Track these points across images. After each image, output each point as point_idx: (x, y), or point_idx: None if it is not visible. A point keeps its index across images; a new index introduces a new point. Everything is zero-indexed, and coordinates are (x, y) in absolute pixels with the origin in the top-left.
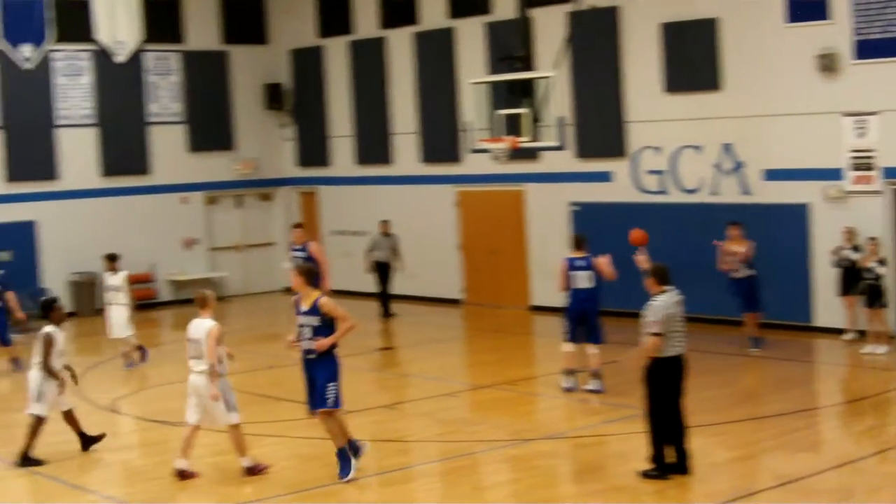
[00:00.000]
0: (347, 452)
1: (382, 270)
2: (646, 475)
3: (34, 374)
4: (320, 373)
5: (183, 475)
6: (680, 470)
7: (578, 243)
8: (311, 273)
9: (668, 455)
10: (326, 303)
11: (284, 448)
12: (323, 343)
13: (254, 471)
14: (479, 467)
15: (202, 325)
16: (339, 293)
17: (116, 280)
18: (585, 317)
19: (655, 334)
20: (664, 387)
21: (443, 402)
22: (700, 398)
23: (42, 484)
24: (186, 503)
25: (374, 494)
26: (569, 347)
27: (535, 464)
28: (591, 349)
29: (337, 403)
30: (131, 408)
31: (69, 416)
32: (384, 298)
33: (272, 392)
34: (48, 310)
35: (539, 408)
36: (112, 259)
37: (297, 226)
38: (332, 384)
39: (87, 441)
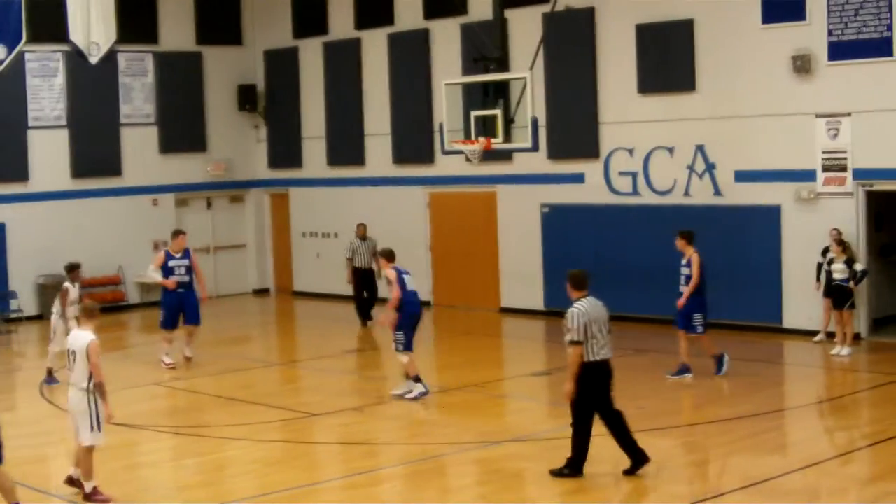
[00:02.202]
0: None
1: (364, 277)
2: (556, 473)
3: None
4: None
5: (72, 482)
6: (642, 461)
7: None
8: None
9: (623, 457)
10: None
11: (250, 451)
12: None
13: (91, 497)
14: (447, 470)
15: (81, 338)
16: (309, 295)
17: (76, 292)
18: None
19: (576, 342)
20: (592, 391)
21: (411, 404)
22: (668, 399)
23: None
24: None
25: (340, 497)
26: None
27: (503, 466)
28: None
29: None
30: None
31: None
32: (368, 306)
33: (239, 395)
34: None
35: (508, 410)
36: (75, 269)
37: (178, 233)
38: None
39: None
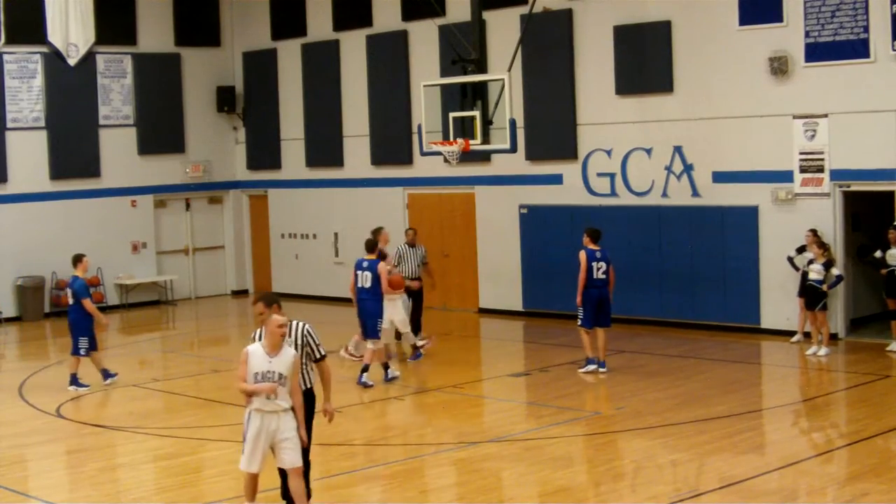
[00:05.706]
0: None
1: (411, 289)
2: None
3: None
4: None
5: None
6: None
7: (370, 245)
8: None
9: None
10: None
11: (229, 452)
12: None
13: None
14: (426, 470)
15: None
16: (288, 297)
17: None
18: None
19: (324, 356)
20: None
21: (389, 405)
22: (646, 400)
23: None
24: None
25: (319, 498)
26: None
27: (481, 466)
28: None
29: None
30: (75, 413)
31: None
32: (415, 319)
33: (217, 396)
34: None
35: (486, 410)
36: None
37: (381, 229)
38: None
39: None
